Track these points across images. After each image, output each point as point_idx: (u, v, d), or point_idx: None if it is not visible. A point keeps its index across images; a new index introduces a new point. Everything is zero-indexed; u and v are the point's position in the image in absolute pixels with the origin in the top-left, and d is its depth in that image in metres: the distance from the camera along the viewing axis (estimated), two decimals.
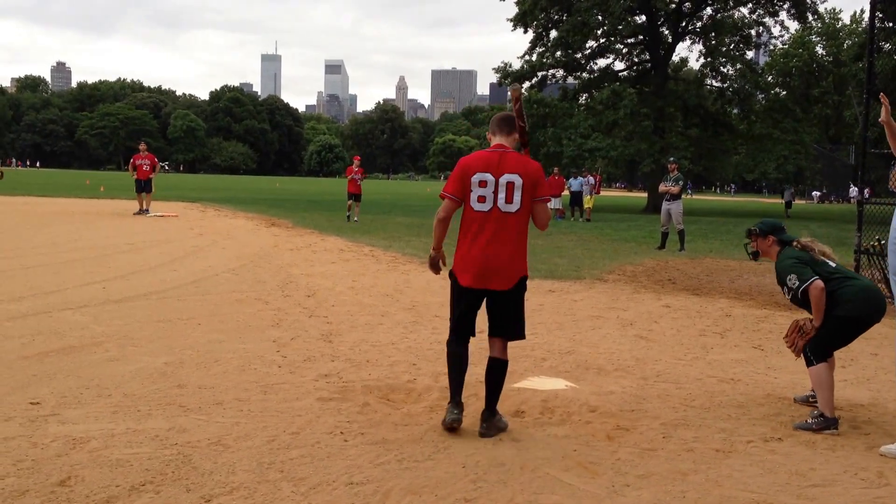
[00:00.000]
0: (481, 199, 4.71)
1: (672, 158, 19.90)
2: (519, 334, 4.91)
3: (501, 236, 4.70)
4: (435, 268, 5.09)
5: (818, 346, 5.15)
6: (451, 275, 4.90)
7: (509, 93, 5.22)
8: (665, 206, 17.71)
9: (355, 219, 23.34)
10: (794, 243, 5.40)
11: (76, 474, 3.90)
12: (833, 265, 5.29)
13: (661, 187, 17.97)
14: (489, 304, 4.84)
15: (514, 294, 4.79)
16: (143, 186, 22.71)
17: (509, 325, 4.84)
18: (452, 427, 4.76)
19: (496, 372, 4.83)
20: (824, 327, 5.12)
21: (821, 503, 3.90)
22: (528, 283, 4.95)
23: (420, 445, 4.53)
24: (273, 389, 5.58)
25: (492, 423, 4.79)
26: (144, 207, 22.68)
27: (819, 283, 5.06)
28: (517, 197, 4.68)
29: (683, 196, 18.25)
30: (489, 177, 4.69)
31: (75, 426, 4.62)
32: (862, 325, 5.16)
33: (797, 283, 5.13)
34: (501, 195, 4.67)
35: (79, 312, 8.07)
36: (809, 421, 5.11)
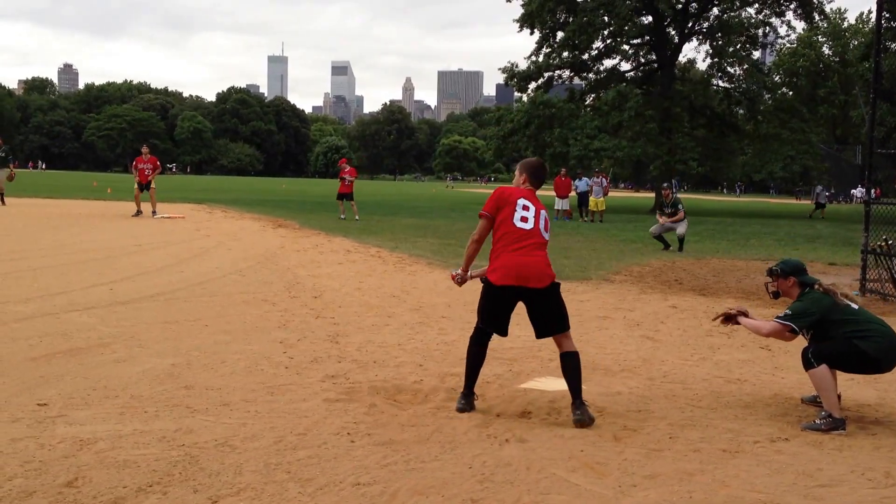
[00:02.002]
0: (524, 219, 5.25)
1: (665, 184, 19.79)
2: (565, 325, 5.26)
3: (538, 250, 5.22)
4: (461, 284, 5.68)
5: (822, 354, 5.15)
6: (485, 280, 5.29)
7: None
8: (669, 226, 17.57)
9: (356, 217, 24.03)
10: (816, 286, 5.41)
11: (83, 475, 3.91)
12: (856, 307, 5.33)
13: (662, 220, 17.76)
14: (529, 305, 5.20)
15: (550, 292, 5.17)
16: (145, 187, 22.84)
17: (555, 319, 5.22)
18: (462, 411, 5.23)
19: (571, 364, 5.18)
20: (842, 347, 5.14)
21: (828, 503, 3.90)
22: None
23: (427, 446, 4.53)
24: (280, 390, 5.59)
25: (584, 411, 5.07)
26: (153, 209, 22.74)
27: (792, 331, 5.26)
28: (548, 230, 5.36)
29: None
30: (531, 205, 5.31)
31: (82, 427, 4.63)
32: (874, 367, 5.20)
33: (793, 324, 5.26)
34: (541, 223, 5.29)
35: (86, 314, 8.10)
36: (818, 422, 5.10)
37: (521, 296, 5.16)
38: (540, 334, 5.29)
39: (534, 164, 5.61)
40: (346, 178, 25.00)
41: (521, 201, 5.30)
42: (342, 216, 24.50)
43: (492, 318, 5.28)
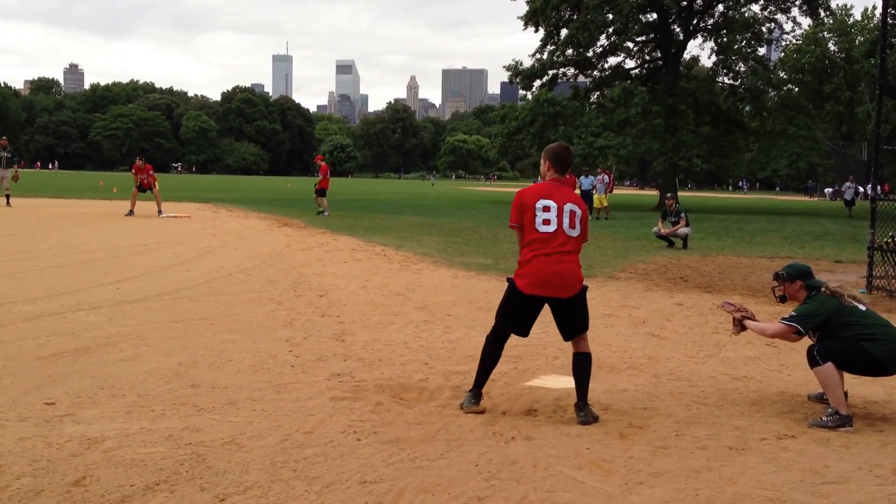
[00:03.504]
0: (546, 221, 5.12)
1: (669, 195, 19.98)
2: (586, 327, 5.26)
3: (566, 255, 5.10)
4: None
5: (827, 352, 5.14)
6: (511, 281, 5.20)
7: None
8: (672, 229, 17.65)
9: (326, 213, 25.42)
10: (823, 289, 5.41)
11: (91, 474, 3.93)
12: (863, 308, 5.33)
13: (665, 231, 17.78)
14: (555, 311, 5.16)
15: (577, 299, 5.15)
16: (146, 189, 23.15)
17: (579, 324, 5.21)
18: (469, 410, 5.18)
19: (582, 365, 5.17)
20: (849, 349, 5.14)
21: (835, 500, 3.88)
22: None
23: (433, 444, 4.54)
24: (286, 389, 5.60)
25: (588, 412, 5.08)
26: (158, 209, 22.86)
27: (797, 332, 5.29)
28: (577, 224, 5.18)
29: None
30: (552, 203, 5.14)
31: (90, 426, 4.65)
32: (881, 370, 5.19)
33: (799, 326, 5.28)
34: (566, 220, 5.13)
35: (93, 313, 8.12)
36: (824, 419, 5.10)
37: (549, 302, 5.12)
38: (567, 337, 5.26)
39: (556, 150, 5.37)
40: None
41: (541, 202, 5.13)
42: (320, 212, 25.55)
43: (514, 322, 5.21)
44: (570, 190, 5.30)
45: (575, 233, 5.14)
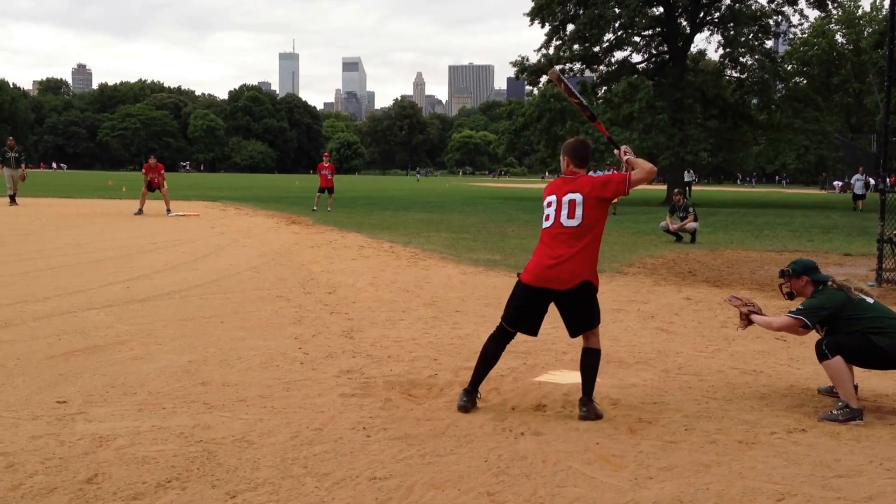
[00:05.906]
0: (546, 217, 5.20)
1: (676, 190, 19.91)
2: (593, 323, 5.17)
3: (561, 246, 5.04)
4: None
5: (836, 346, 5.13)
6: (518, 276, 5.26)
7: (547, 77, 5.71)
8: (680, 225, 17.66)
9: (328, 209, 26.10)
10: (829, 283, 5.40)
11: (103, 472, 3.95)
12: (871, 301, 5.31)
13: (673, 227, 17.78)
14: (558, 305, 5.14)
15: (576, 294, 5.04)
16: (155, 188, 23.31)
17: (582, 319, 5.14)
18: (463, 408, 5.13)
19: (589, 360, 5.15)
20: (858, 342, 5.13)
21: (846, 494, 3.88)
22: None
23: (442, 440, 4.55)
24: (295, 386, 5.62)
25: (591, 408, 5.05)
26: (167, 208, 23.00)
27: (804, 326, 5.31)
28: (578, 212, 5.06)
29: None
30: (554, 198, 5.18)
31: (102, 424, 4.67)
32: (890, 363, 5.18)
33: (805, 319, 5.30)
34: (564, 211, 5.09)
35: (103, 312, 8.16)
36: (834, 412, 5.09)
37: (551, 297, 5.08)
38: (572, 333, 5.21)
39: (572, 145, 5.31)
40: (327, 173, 26.75)
41: (547, 199, 5.21)
42: (315, 208, 26.34)
43: (514, 316, 5.17)
44: (584, 179, 5.14)
45: (573, 222, 5.03)
